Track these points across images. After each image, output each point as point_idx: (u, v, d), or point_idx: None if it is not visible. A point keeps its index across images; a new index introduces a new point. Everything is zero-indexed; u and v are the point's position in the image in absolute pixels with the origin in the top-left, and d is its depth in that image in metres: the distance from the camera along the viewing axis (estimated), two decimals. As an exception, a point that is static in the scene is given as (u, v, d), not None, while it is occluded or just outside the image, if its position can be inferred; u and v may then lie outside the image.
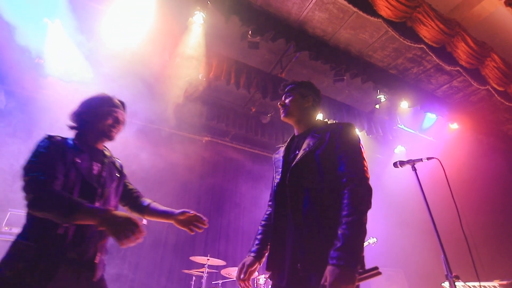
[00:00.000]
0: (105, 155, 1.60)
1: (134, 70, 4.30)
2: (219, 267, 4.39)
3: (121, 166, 1.71)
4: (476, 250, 1.90)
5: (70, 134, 1.56)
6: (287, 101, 1.64)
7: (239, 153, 7.10)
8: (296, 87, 1.67)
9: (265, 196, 6.62)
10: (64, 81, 4.29)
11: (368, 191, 1.23)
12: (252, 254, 1.49)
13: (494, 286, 3.97)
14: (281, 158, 1.56)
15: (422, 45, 3.99)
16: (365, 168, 1.29)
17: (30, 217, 1.26)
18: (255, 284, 4.13)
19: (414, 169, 2.14)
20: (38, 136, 1.42)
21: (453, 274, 1.59)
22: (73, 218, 1.15)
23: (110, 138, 1.57)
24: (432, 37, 3.87)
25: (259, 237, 1.54)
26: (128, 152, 5.02)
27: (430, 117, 6.16)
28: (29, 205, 1.19)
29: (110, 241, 1.38)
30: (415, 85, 5.45)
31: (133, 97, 4.63)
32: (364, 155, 1.35)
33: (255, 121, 6.35)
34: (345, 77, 4.87)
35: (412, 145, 6.88)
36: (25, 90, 4.66)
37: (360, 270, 1.10)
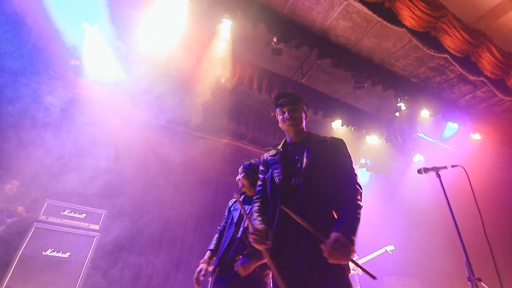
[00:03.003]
0: None
1: (164, 74, 4.54)
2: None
3: None
4: (498, 262, 1.93)
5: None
6: (295, 113, 1.81)
7: (255, 155, 7.24)
8: (300, 99, 1.87)
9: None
10: (98, 83, 4.59)
11: (360, 192, 1.58)
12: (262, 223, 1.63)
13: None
14: (278, 159, 1.75)
15: (445, 55, 4.01)
16: (356, 175, 1.66)
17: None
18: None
19: (439, 176, 2.20)
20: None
21: (476, 277, 1.65)
22: None
23: None
24: (456, 47, 3.89)
25: (261, 221, 1.63)
26: (151, 150, 5.28)
27: (451, 127, 6.09)
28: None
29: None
30: (437, 94, 5.43)
31: (161, 100, 4.90)
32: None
33: (272, 124, 6.48)
34: (365, 85, 4.93)
35: (432, 154, 6.80)
36: (62, 88, 4.97)
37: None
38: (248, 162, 2.75)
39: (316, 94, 5.58)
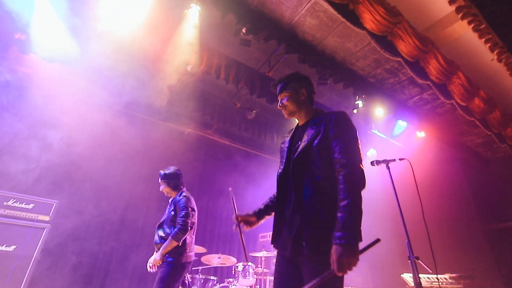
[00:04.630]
0: None
1: (126, 54, 4.28)
2: (199, 255, 4.53)
3: None
4: (433, 244, 2.23)
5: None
6: (284, 101, 1.74)
7: (220, 146, 7.23)
8: (287, 83, 1.76)
9: (243, 187, 6.83)
10: (49, 60, 4.17)
11: (360, 174, 1.39)
12: (254, 211, 1.87)
13: (445, 278, 4.51)
14: (286, 148, 1.71)
15: (399, 59, 4.38)
16: (357, 152, 1.46)
17: None
18: (233, 271, 4.34)
19: (388, 168, 2.45)
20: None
21: (414, 256, 1.90)
22: None
23: None
24: (408, 51, 4.27)
25: (263, 206, 1.86)
26: (109, 136, 4.99)
27: (401, 125, 6.69)
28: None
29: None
30: (390, 94, 5.91)
31: (120, 82, 4.62)
32: (357, 140, 1.51)
33: (240, 116, 6.52)
34: (328, 82, 5.18)
35: (383, 149, 7.43)
36: (3, 65, 4.45)
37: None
38: (162, 172, 3.17)
39: (281, 88, 5.71)
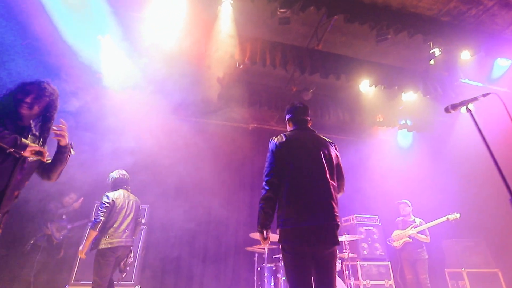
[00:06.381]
0: None
1: (178, 68, 4.60)
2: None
3: None
4: None
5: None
6: None
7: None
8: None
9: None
10: (120, 89, 4.82)
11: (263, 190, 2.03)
12: None
13: None
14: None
15: (477, -22, 3.44)
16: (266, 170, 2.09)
17: None
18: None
19: (469, 111, 1.89)
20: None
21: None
22: None
23: None
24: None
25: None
26: (181, 142, 5.45)
27: (501, 64, 5.29)
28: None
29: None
30: (476, 29, 4.73)
31: (180, 93, 5.00)
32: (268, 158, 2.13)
33: (296, 100, 6.26)
34: (389, 35, 4.48)
35: (483, 101, 6.00)
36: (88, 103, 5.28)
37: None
38: None
39: (336, 58, 5.23)
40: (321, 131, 2.40)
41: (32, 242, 4.05)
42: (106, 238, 3.25)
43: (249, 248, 4.57)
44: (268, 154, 2.08)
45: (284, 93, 6.26)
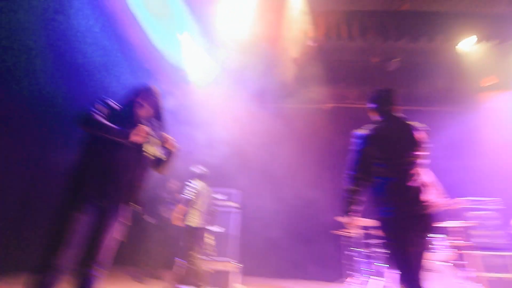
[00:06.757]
0: None
1: (254, 55, 4.64)
2: (369, 228, 4.24)
3: None
4: None
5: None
6: None
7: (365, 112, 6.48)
8: None
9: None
10: (201, 86, 5.21)
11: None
12: None
13: None
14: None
15: None
16: None
17: None
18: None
19: None
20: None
21: None
22: None
23: None
24: None
25: None
26: (262, 129, 5.61)
27: None
28: None
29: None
30: None
31: (258, 80, 5.08)
32: None
33: (378, 72, 5.64)
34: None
35: None
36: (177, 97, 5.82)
37: None
38: None
39: (428, 17, 4.46)
40: (414, 104, 2.10)
41: (149, 220, 4.85)
42: (191, 217, 3.76)
43: (338, 232, 4.43)
44: (354, 148, 2.00)
45: (363, 66, 5.72)
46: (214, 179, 4.89)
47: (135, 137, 1.82)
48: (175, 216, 3.91)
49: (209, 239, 4.03)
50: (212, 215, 4.13)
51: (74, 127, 1.95)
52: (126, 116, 2.00)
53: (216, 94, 5.11)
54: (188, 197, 3.82)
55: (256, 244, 5.35)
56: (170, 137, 2.08)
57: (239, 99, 5.02)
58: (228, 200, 4.68)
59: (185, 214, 3.84)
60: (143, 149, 1.97)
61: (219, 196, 4.55)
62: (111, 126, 1.80)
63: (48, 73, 3.75)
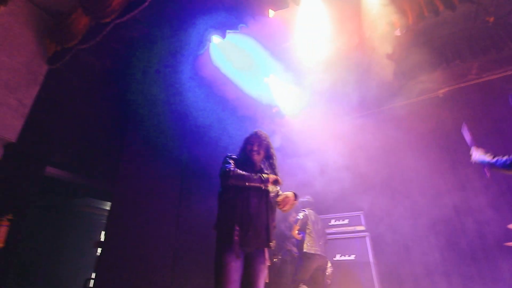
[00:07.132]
0: None
1: (341, 68, 4.49)
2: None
3: None
4: None
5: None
6: None
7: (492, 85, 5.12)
8: None
9: None
10: (296, 115, 5.30)
11: None
12: None
13: None
14: None
15: None
16: None
17: None
18: None
19: None
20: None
21: None
22: None
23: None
24: None
25: None
26: (367, 143, 5.16)
27: None
28: None
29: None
30: None
31: (353, 91, 4.82)
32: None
33: (498, 33, 4.51)
34: None
35: None
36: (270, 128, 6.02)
37: None
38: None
39: None
40: None
41: (280, 257, 4.90)
42: (308, 244, 3.73)
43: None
44: None
45: (476, 32, 4.69)
46: (332, 205, 4.68)
47: (270, 182, 2.06)
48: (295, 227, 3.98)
49: (329, 269, 3.86)
50: (326, 243, 3.99)
51: (211, 181, 2.30)
52: (248, 165, 2.22)
53: (314, 119, 5.09)
54: (302, 224, 3.86)
55: (396, 271, 4.52)
56: (277, 175, 2.22)
57: (339, 115, 4.84)
58: (351, 224, 4.39)
59: (301, 243, 3.82)
60: (269, 191, 2.12)
61: (338, 222, 4.31)
62: (250, 175, 2.05)
63: (181, 139, 4.60)
